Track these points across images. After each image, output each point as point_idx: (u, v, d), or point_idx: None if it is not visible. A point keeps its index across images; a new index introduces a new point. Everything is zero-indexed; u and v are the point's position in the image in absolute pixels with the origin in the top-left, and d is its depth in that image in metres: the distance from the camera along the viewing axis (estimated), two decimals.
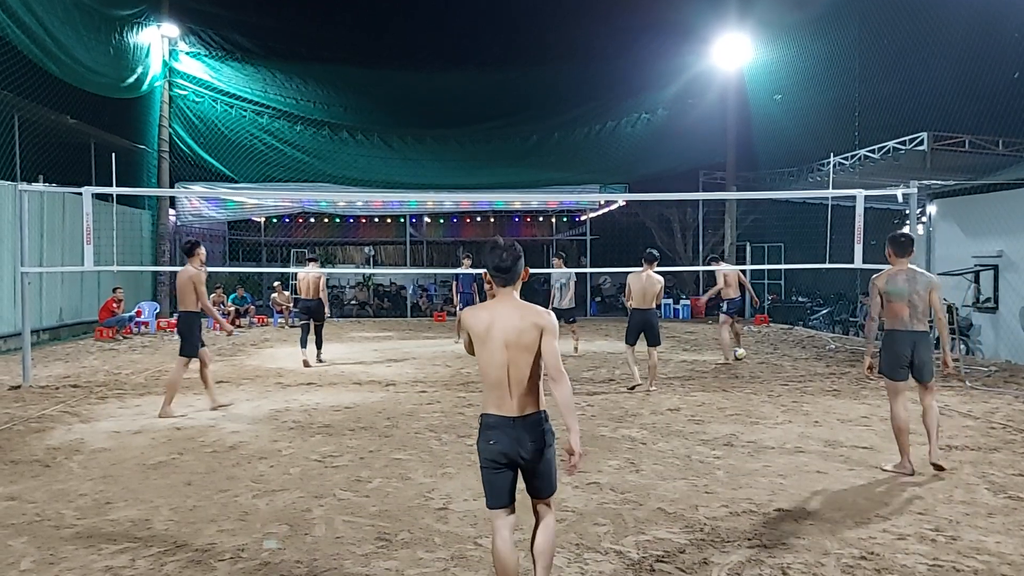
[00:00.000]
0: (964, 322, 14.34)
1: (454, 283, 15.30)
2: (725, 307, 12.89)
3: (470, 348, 3.60)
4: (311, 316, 12.48)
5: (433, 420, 8.08)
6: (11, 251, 13.60)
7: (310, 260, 12.84)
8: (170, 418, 8.11)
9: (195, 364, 8.68)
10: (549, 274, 15.16)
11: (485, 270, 3.58)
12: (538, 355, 3.45)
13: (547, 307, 13.64)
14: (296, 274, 14.48)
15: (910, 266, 6.23)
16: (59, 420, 8.02)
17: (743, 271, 14.24)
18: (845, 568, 4.17)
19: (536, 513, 3.67)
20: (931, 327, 6.47)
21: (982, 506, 5.22)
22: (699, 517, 5.00)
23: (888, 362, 6.16)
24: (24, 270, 10.50)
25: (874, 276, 6.28)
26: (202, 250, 8.75)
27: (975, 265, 14.80)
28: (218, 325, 9.77)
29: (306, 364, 11.99)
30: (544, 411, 3.54)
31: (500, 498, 3.58)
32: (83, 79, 15.47)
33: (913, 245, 6.32)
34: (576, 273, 15.35)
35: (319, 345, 12.63)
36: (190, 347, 8.48)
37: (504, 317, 3.46)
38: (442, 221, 29.44)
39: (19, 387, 9.96)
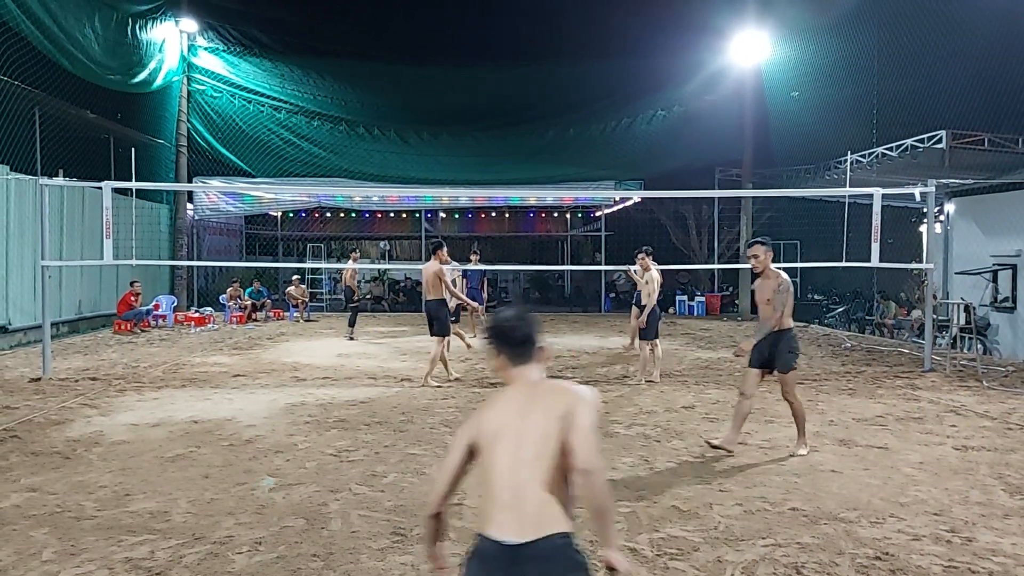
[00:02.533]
0: (982, 322, 14.25)
1: (462, 279, 14.94)
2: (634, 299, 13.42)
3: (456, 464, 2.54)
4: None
5: (448, 415, 8.12)
6: (32, 245, 13.74)
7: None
8: (429, 387, 9.79)
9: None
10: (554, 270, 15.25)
11: (490, 343, 2.66)
12: (566, 465, 2.37)
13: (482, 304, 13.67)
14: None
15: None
16: (78, 412, 8.11)
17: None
18: (859, 568, 4.18)
19: None
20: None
21: (998, 507, 5.21)
22: (713, 515, 5.01)
23: (798, 354, 6.71)
24: (44, 263, 10.61)
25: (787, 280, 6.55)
26: (445, 250, 10.27)
27: (993, 264, 14.71)
28: (235, 319, 10.32)
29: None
30: (571, 534, 2.39)
31: None
32: (96, 75, 15.56)
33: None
34: (588, 271, 15.31)
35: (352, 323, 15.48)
36: (443, 328, 10.13)
37: (525, 407, 2.48)
38: (457, 216, 29.48)
39: (39, 379, 10.07)
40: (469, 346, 12.98)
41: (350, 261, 16.20)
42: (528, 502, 2.32)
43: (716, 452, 6.56)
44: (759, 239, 6.75)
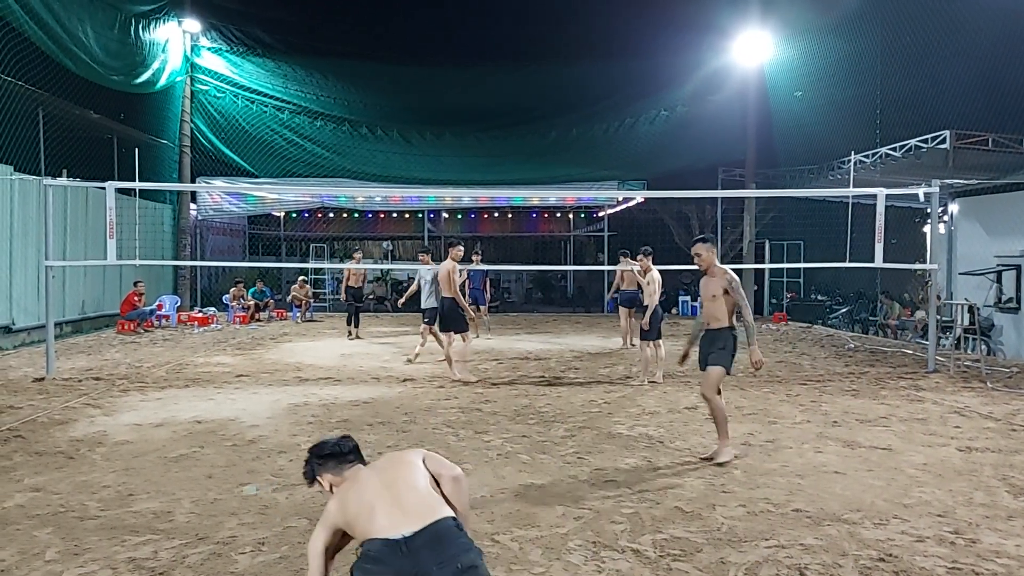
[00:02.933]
0: (986, 322, 14.23)
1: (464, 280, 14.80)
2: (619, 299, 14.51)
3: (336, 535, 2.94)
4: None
5: (450, 416, 8.12)
6: (36, 245, 13.77)
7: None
8: (469, 381, 10.14)
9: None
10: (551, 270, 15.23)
11: (316, 466, 3.17)
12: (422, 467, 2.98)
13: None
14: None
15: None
16: (82, 412, 8.12)
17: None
18: (863, 570, 4.17)
19: None
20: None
21: (1002, 509, 5.19)
22: (716, 516, 5.00)
23: (735, 357, 6.53)
24: (48, 263, 10.64)
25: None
26: (460, 248, 10.51)
27: (997, 265, 14.68)
28: (238, 319, 10.21)
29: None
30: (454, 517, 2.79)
31: None
32: (99, 76, 15.58)
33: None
34: (591, 271, 15.39)
35: (357, 323, 15.77)
36: (462, 324, 10.38)
37: (368, 474, 3.02)
38: (460, 217, 29.50)
39: (43, 379, 10.08)
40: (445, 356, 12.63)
41: (352, 261, 16.35)
42: (409, 497, 2.79)
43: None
44: (702, 236, 6.76)
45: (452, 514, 2.75)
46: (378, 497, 2.77)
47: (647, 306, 10.40)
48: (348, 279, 15.93)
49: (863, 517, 4.99)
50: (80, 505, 5.18)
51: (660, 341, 10.46)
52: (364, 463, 3.15)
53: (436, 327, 11.49)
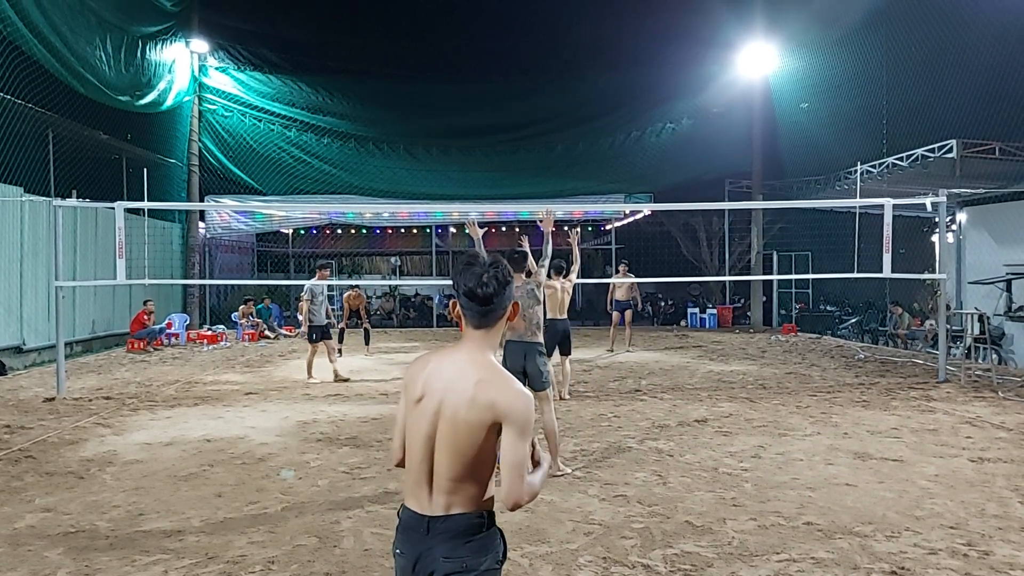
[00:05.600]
0: (996, 331, 14.14)
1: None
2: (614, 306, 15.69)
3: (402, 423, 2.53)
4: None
5: None
6: (46, 265, 13.84)
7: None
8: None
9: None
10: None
11: (453, 298, 2.44)
12: (487, 449, 2.33)
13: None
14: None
15: (526, 280, 6.58)
16: (92, 432, 8.15)
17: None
18: None
19: None
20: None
21: (1016, 520, 5.16)
22: (727, 530, 4.98)
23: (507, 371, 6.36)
24: (58, 284, 10.70)
25: None
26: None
27: (1007, 273, 14.61)
28: (247, 336, 10.04)
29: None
30: (483, 514, 2.36)
31: None
32: (106, 97, 15.71)
33: (526, 260, 6.80)
34: (598, 284, 15.72)
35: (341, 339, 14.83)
36: (569, 347, 9.97)
37: (451, 374, 2.35)
38: (467, 231, 29.54)
39: (53, 399, 10.12)
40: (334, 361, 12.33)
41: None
42: (440, 482, 2.34)
43: (731, 466, 6.54)
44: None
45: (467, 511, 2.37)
46: (415, 458, 2.40)
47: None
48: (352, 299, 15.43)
49: (875, 530, 4.96)
50: (91, 525, 5.19)
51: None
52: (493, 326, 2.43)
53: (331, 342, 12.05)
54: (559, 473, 6.30)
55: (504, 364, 6.19)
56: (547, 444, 6.35)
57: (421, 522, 2.33)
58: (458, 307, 2.41)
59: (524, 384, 4.03)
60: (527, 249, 7.04)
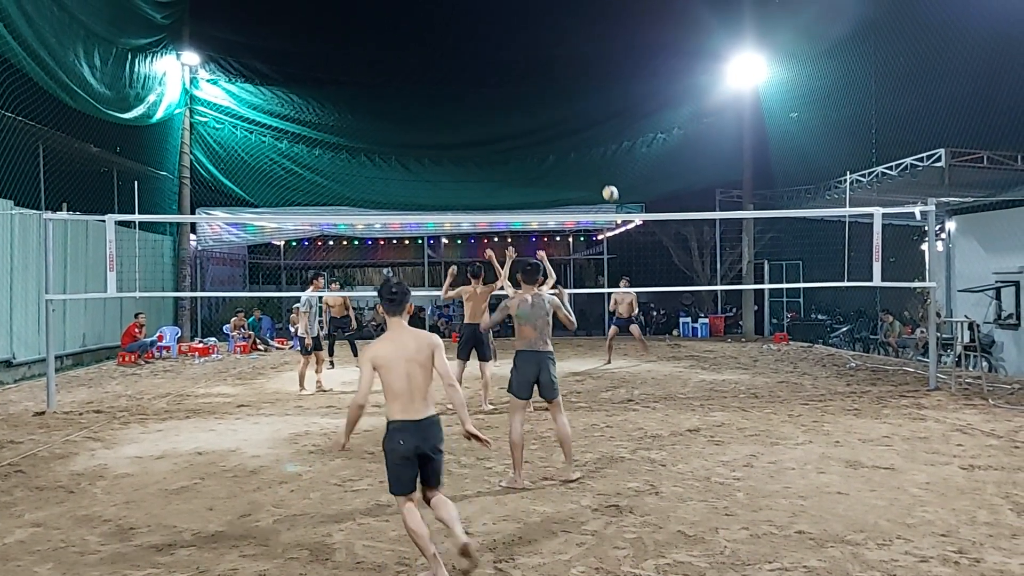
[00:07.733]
0: (986, 339, 14.22)
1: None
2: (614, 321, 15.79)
3: (369, 378, 4.30)
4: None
5: (452, 443, 8.08)
6: (36, 279, 13.79)
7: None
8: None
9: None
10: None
11: (379, 304, 4.38)
12: (431, 368, 4.36)
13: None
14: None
15: (537, 291, 6.66)
16: (82, 446, 8.11)
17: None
18: None
19: (427, 500, 4.40)
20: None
21: (1006, 527, 5.17)
22: (719, 540, 4.98)
23: (517, 381, 6.54)
24: (48, 297, 10.64)
25: (507, 300, 6.73)
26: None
27: (996, 281, 14.71)
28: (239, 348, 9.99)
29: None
30: (437, 415, 4.42)
31: (407, 486, 4.33)
32: (95, 110, 15.67)
33: (539, 272, 6.80)
34: (591, 294, 15.71)
35: (331, 351, 14.72)
36: (486, 353, 10.36)
37: (407, 340, 4.37)
38: (459, 242, 29.56)
39: (43, 413, 10.06)
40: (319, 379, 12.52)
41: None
42: (418, 397, 4.32)
43: (723, 475, 6.54)
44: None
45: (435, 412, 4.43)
46: (402, 389, 4.30)
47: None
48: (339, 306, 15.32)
49: (866, 538, 4.97)
50: (81, 540, 5.16)
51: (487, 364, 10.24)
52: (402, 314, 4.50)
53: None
54: (571, 479, 6.45)
55: (517, 373, 6.49)
56: (562, 450, 6.59)
57: (418, 425, 4.31)
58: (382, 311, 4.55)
59: (535, 393, 6.61)
60: (539, 260, 7.03)
